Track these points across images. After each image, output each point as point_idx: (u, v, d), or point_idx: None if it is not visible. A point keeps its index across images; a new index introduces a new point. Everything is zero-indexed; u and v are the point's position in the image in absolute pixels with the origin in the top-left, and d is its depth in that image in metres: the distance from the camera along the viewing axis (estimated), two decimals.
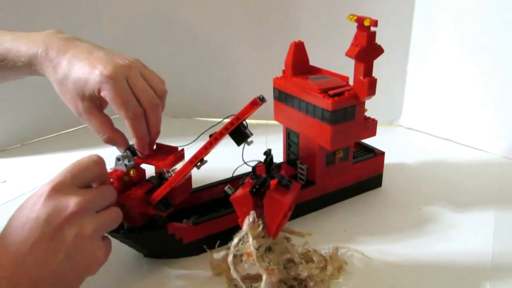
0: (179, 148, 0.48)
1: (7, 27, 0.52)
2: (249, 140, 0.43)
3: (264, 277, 0.42)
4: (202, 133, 0.45)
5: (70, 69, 0.45)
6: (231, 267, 0.42)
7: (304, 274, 0.45)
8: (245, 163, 0.44)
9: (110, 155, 0.46)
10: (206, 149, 0.43)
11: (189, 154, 0.45)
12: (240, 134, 0.43)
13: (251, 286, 0.45)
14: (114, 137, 0.47)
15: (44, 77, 0.48)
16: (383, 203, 0.62)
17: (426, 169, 0.72)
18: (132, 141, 0.47)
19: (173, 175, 0.46)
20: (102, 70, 0.43)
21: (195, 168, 0.44)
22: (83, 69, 0.44)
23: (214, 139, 0.42)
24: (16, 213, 0.37)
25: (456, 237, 0.54)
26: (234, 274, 0.43)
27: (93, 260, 0.38)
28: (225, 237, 0.52)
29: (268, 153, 0.44)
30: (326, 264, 0.48)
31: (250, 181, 0.43)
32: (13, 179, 0.72)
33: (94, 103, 0.46)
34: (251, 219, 0.43)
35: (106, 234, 0.41)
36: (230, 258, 0.42)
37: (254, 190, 0.42)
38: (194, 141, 0.46)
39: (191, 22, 0.90)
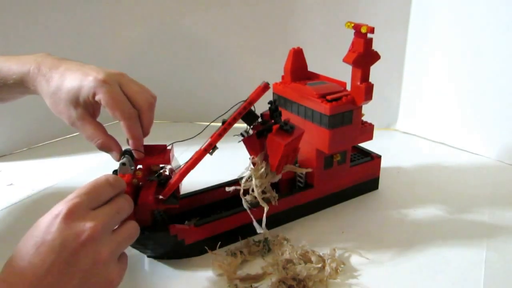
0: (168, 146, 0.50)
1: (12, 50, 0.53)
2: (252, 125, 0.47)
3: (265, 209, 0.49)
4: (199, 133, 0.47)
5: (63, 81, 0.47)
6: (242, 198, 0.50)
7: (302, 274, 0.46)
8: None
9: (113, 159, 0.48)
10: (220, 135, 0.45)
11: (189, 155, 0.47)
12: (252, 117, 0.47)
13: (251, 286, 0.46)
14: (107, 143, 0.48)
15: (36, 95, 0.49)
16: (379, 205, 0.63)
17: (421, 172, 0.72)
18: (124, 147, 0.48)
19: (166, 170, 0.49)
20: (95, 76, 0.45)
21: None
22: (76, 78, 0.46)
23: (228, 125, 0.45)
24: (30, 233, 0.36)
25: (451, 238, 0.54)
26: (245, 204, 0.50)
27: (107, 283, 0.37)
28: (226, 239, 0.53)
29: (272, 102, 0.48)
30: (324, 265, 0.48)
31: (259, 126, 0.48)
32: (19, 182, 0.72)
33: (87, 110, 0.47)
34: (252, 163, 0.49)
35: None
36: (241, 192, 0.49)
37: (259, 133, 0.47)
38: (191, 138, 0.48)
39: (193, 29, 0.90)
